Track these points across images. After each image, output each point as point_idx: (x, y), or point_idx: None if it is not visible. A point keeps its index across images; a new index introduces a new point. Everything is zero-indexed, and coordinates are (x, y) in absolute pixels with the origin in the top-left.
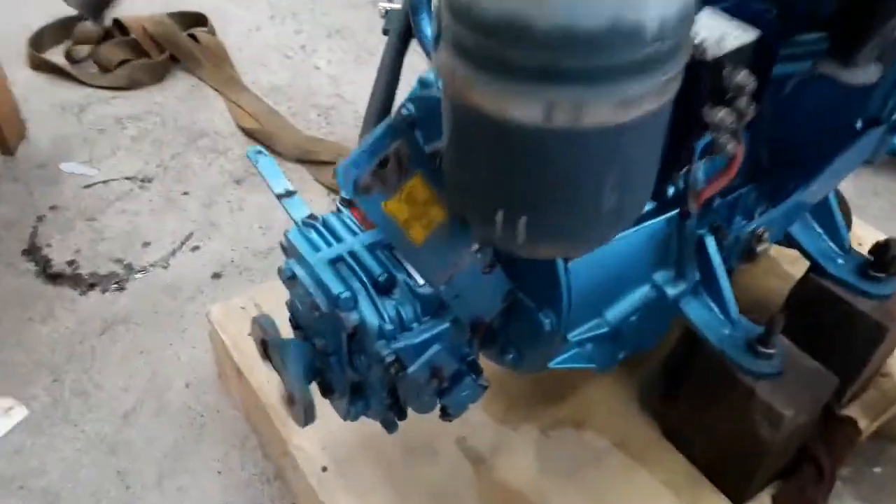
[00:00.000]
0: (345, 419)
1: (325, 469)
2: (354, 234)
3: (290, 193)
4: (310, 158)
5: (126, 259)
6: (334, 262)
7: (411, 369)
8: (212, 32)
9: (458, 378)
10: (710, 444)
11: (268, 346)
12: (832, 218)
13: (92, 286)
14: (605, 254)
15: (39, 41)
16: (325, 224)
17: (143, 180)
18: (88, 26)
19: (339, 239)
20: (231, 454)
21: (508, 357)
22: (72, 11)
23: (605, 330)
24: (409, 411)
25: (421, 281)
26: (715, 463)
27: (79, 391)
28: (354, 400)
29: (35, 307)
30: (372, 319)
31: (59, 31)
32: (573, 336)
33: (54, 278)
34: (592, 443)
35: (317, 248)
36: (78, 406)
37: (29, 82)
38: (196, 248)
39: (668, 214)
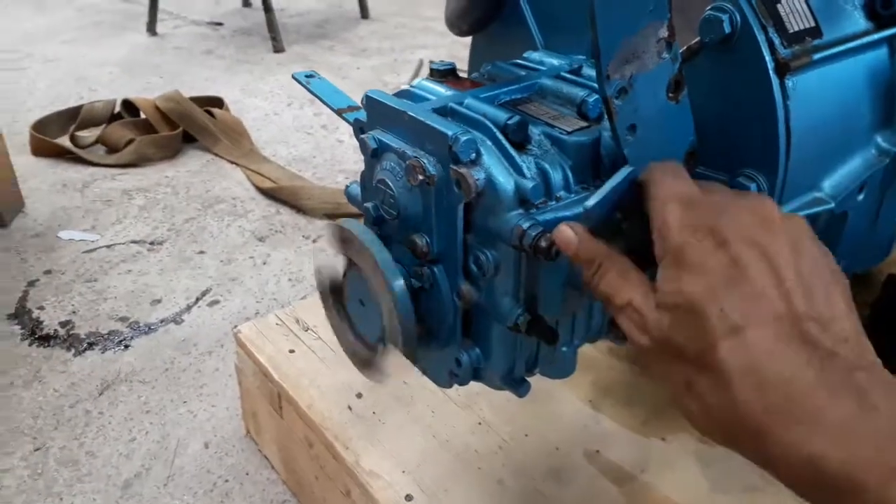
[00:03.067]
0: (447, 385)
1: (409, 498)
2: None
3: (354, 108)
4: (342, 212)
5: (132, 317)
6: (441, 112)
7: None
8: (228, 111)
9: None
10: None
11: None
12: None
13: (90, 346)
14: (820, 92)
15: (42, 128)
16: (421, 87)
17: (152, 243)
18: (96, 108)
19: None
20: None
21: None
22: (75, 102)
23: (828, 207)
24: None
25: (569, 127)
26: None
27: (67, 460)
28: (466, 346)
29: (16, 371)
30: (504, 177)
31: (64, 119)
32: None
33: (44, 340)
34: None
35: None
36: (66, 477)
37: (29, 165)
38: (215, 302)
39: (889, 33)
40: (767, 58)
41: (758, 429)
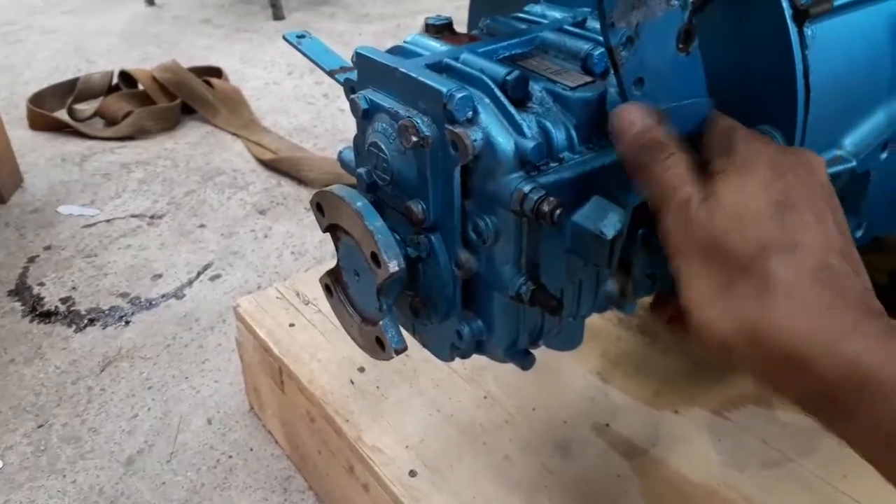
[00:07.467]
0: (448, 359)
1: (412, 473)
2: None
3: (346, 69)
4: (343, 182)
5: (133, 293)
6: (435, 68)
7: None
8: (227, 81)
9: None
10: None
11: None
12: None
13: (91, 322)
14: (842, 42)
15: (40, 101)
16: (415, 42)
17: (152, 217)
18: (93, 80)
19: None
20: (270, 500)
21: None
22: (73, 74)
23: (849, 165)
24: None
25: (572, 83)
26: None
27: (69, 437)
28: (467, 318)
29: (17, 349)
30: (503, 137)
31: (61, 91)
32: None
33: (45, 316)
34: (794, 423)
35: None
36: (69, 453)
37: (27, 139)
38: (216, 276)
39: None
40: (785, 4)
41: (793, 330)
